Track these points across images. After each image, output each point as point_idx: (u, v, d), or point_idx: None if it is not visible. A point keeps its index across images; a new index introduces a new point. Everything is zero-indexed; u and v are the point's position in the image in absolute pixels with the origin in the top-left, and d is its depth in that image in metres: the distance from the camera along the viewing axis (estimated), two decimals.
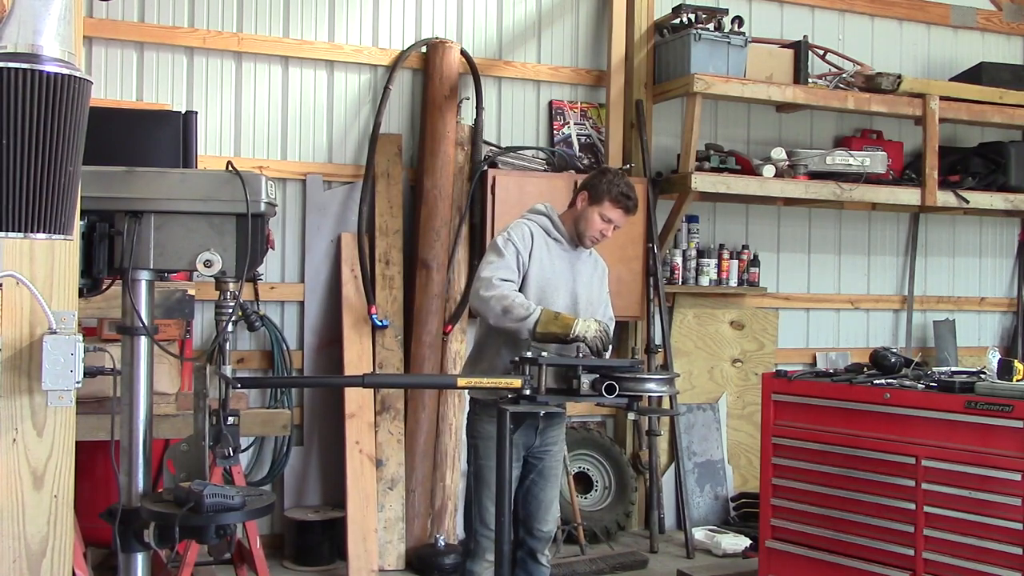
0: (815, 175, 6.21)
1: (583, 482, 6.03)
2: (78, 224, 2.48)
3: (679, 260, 6.34)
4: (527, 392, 3.17)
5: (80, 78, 1.88)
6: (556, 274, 3.80)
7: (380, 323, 5.47)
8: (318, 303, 5.64)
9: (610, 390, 3.15)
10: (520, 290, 3.70)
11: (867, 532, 4.23)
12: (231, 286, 2.64)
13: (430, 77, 5.78)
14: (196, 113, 4.40)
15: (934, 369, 4.67)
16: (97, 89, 4.98)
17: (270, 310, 5.57)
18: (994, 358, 4.31)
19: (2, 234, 1.84)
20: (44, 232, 1.87)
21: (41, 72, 1.83)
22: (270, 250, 3.72)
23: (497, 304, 3.57)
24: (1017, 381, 4.03)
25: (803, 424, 4.48)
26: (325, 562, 5.33)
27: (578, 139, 6.24)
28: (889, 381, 4.32)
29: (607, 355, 3.60)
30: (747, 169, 6.10)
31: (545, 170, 5.96)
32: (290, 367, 5.55)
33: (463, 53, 5.88)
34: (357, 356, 5.43)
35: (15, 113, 1.81)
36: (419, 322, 5.58)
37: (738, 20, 6.14)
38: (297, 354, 5.60)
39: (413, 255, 5.69)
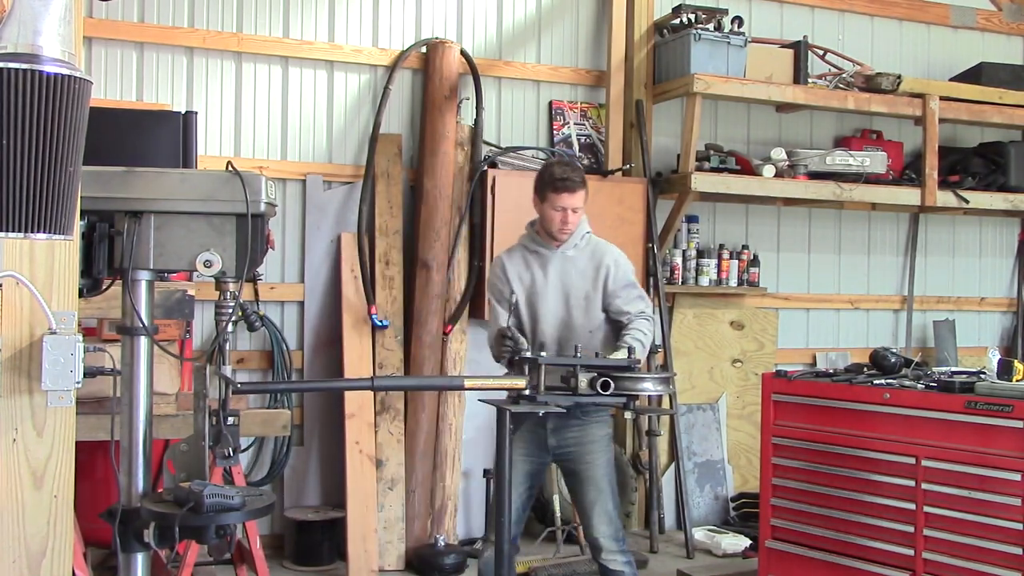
0: (815, 175, 6.20)
1: None
2: (78, 224, 2.48)
3: (679, 260, 6.34)
4: (527, 392, 3.17)
5: (80, 78, 1.88)
6: (539, 284, 3.90)
7: (380, 323, 5.47)
8: (318, 303, 5.64)
9: (605, 387, 3.16)
10: (519, 313, 3.87)
11: (867, 532, 4.22)
12: (231, 286, 2.64)
13: (430, 77, 5.78)
14: (196, 113, 4.40)
15: (934, 369, 4.67)
16: (97, 89, 4.98)
17: (270, 310, 5.57)
18: (994, 358, 4.31)
19: (2, 234, 1.84)
20: (44, 232, 1.87)
21: (41, 72, 1.83)
22: (270, 250, 3.71)
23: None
24: (1017, 381, 4.03)
25: (803, 424, 4.48)
26: (325, 562, 5.33)
27: (578, 139, 6.24)
28: (889, 381, 4.31)
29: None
30: (747, 169, 6.10)
31: None
32: (290, 367, 5.55)
33: (463, 53, 5.88)
34: (357, 356, 5.43)
35: (15, 113, 1.81)
36: (419, 322, 5.58)
37: (738, 20, 6.13)
38: (297, 354, 5.60)
39: (413, 255, 5.69)
